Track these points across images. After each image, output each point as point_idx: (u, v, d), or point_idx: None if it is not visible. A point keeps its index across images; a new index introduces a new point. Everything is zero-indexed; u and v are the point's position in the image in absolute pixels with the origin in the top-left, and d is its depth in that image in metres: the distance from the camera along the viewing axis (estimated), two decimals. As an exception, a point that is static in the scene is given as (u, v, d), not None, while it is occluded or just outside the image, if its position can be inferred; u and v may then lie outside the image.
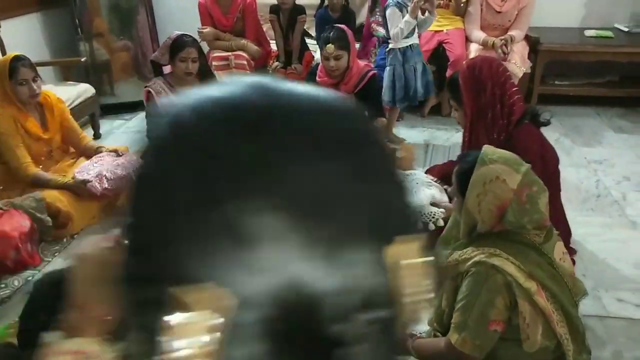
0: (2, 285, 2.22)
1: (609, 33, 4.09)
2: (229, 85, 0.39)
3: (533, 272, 1.33)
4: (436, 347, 1.49)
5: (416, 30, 3.28)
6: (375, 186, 0.36)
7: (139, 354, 0.34)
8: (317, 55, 4.07)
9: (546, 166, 1.92)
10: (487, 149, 1.42)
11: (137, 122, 4.09)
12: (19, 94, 2.58)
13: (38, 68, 2.75)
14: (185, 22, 4.00)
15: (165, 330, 0.30)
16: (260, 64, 4.10)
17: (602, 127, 3.81)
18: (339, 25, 2.94)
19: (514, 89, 2.03)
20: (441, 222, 2.08)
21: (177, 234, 0.32)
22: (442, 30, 3.91)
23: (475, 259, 1.37)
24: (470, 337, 1.34)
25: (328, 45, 2.80)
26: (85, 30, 4.10)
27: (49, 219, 2.47)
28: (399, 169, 0.40)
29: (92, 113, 3.82)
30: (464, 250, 1.43)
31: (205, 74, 3.12)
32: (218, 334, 0.30)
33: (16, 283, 2.24)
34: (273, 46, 4.21)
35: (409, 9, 3.13)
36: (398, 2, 3.24)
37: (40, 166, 2.70)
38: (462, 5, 3.91)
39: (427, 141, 3.64)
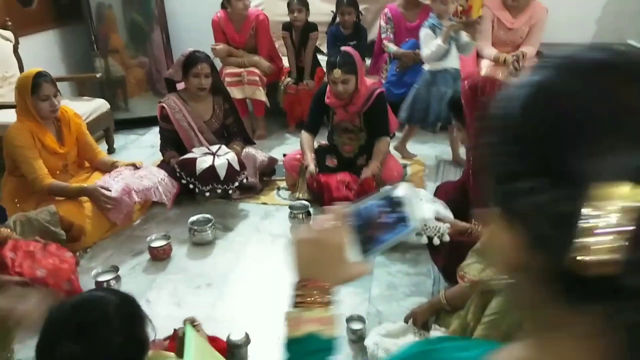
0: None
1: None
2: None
3: None
4: (463, 289, 1.48)
5: (454, 54, 3.26)
6: None
7: None
8: (329, 71, 4.11)
9: None
10: None
11: (150, 137, 4.14)
12: (41, 109, 2.62)
13: (54, 83, 2.80)
14: (198, 39, 4.05)
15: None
16: (272, 80, 4.14)
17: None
18: (346, 48, 2.92)
19: None
20: (447, 237, 2.06)
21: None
22: (453, 47, 3.92)
23: None
24: None
25: (335, 70, 2.77)
26: (101, 47, 4.18)
27: (62, 232, 2.49)
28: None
29: (107, 128, 3.87)
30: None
31: (217, 90, 3.16)
32: None
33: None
34: (285, 62, 4.25)
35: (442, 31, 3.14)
36: (432, 24, 3.27)
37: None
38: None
39: (438, 157, 3.63)
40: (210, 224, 2.66)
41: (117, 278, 2.31)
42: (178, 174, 2.90)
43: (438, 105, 3.28)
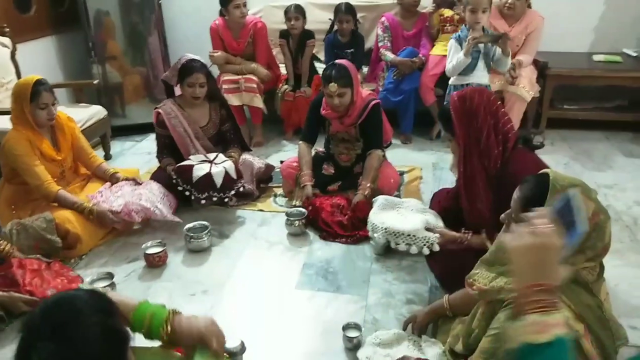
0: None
1: (617, 58, 4.10)
2: None
3: (583, 314, 1.28)
4: (467, 295, 1.46)
5: (482, 68, 3.19)
6: None
7: None
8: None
9: None
10: (555, 175, 1.34)
11: (147, 143, 4.14)
12: (39, 117, 2.60)
13: (51, 90, 2.79)
14: (196, 46, 4.06)
15: None
16: (269, 88, 4.15)
17: (612, 152, 3.79)
18: (341, 60, 2.91)
19: (507, 117, 2.04)
20: (437, 247, 2.07)
21: None
22: (450, 55, 3.94)
23: None
24: None
25: (330, 85, 2.76)
26: (99, 54, 4.19)
27: (58, 239, 2.48)
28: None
29: (104, 134, 3.87)
30: (511, 278, 1.34)
31: (214, 97, 3.16)
32: None
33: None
34: (282, 70, 4.26)
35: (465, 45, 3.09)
36: (459, 36, 3.18)
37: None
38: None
39: (435, 164, 3.64)
40: (206, 231, 2.65)
41: (112, 285, 2.30)
42: (174, 181, 2.89)
43: None
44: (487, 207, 2.04)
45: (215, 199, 2.87)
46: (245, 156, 3.21)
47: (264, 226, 2.88)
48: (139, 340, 1.28)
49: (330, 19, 4.19)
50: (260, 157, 3.41)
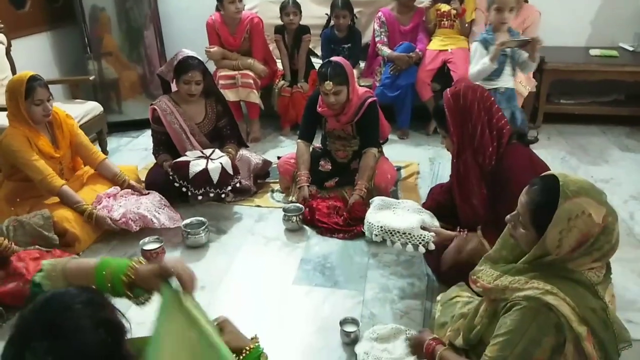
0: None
1: (614, 52, 4.10)
2: None
3: (587, 317, 1.27)
4: None
5: (507, 72, 3.02)
6: None
7: None
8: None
9: None
10: (565, 179, 1.30)
11: (144, 139, 4.13)
12: (34, 114, 2.58)
13: (47, 86, 2.77)
14: (192, 41, 4.04)
15: None
16: (266, 83, 4.14)
17: (609, 146, 3.80)
18: (336, 58, 2.90)
19: (500, 113, 2.04)
20: (432, 245, 2.07)
21: None
22: (446, 50, 3.94)
23: (528, 292, 1.29)
24: None
25: (326, 82, 2.74)
26: (94, 50, 4.17)
27: (55, 237, 2.48)
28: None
29: (100, 130, 3.85)
30: (516, 278, 1.36)
31: (210, 92, 3.15)
32: None
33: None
34: (279, 65, 4.25)
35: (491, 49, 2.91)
36: (484, 39, 2.99)
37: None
38: (466, 25, 3.94)
39: (432, 159, 3.64)
40: (203, 227, 2.65)
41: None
42: (171, 177, 2.88)
43: None
44: (482, 203, 2.05)
45: (212, 195, 2.87)
46: (242, 152, 3.21)
47: (261, 222, 2.89)
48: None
49: (326, 14, 4.18)
50: (257, 153, 3.41)
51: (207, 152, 2.98)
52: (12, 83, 2.60)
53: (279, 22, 4.09)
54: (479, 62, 2.92)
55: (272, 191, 3.22)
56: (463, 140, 2.02)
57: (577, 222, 1.26)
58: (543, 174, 1.41)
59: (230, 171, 2.91)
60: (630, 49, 4.19)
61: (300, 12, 4.02)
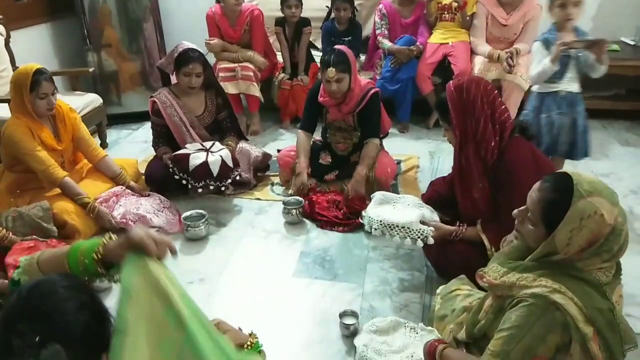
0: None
1: (615, 46, 4.09)
2: None
3: (593, 317, 1.27)
4: None
5: (572, 74, 2.70)
6: None
7: None
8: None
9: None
10: (579, 178, 1.29)
11: (143, 131, 4.12)
12: (38, 107, 2.57)
13: (47, 78, 2.76)
14: (192, 33, 4.04)
15: None
16: (266, 76, 4.13)
17: (609, 140, 3.80)
18: (340, 46, 2.90)
19: (503, 107, 2.03)
20: (431, 240, 2.08)
21: None
22: (447, 43, 3.93)
23: (536, 290, 1.29)
24: None
25: (329, 69, 2.75)
26: (94, 41, 4.15)
27: (54, 228, 2.47)
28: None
29: (100, 122, 3.85)
30: (524, 275, 1.35)
31: (210, 85, 3.14)
32: None
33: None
34: (279, 58, 4.23)
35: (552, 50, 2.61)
36: (546, 38, 2.70)
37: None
38: (467, 18, 3.92)
39: (432, 152, 3.64)
40: (203, 220, 2.65)
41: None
42: (171, 170, 2.88)
43: (548, 136, 2.72)
44: (482, 197, 2.04)
45: (212, 187, 2.87)
46: (242, 145, 3.21)
47: (261, 215, 2.89)
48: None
49: (327, 7, 4.17)
50: (257, 146, 3.40)
51: (207, 144, 2.98)
52: (18, 75, 2.58)
53: (280, 14, 4.08)
54: (539, 63, 2.66)
55: (272, 184, 3.22)
56: (466, 133, 2.01)
57: (588, 221, 1.25)
58: (556, 172, 1.39)
59: (230, 164, 2.91)
60: (632, 43, 4.18)
61: (302, 4, 4.00)
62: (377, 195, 2.35)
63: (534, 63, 2.74)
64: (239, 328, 1.42)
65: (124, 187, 2.88)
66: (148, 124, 3.34)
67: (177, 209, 2.87)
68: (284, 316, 2.09)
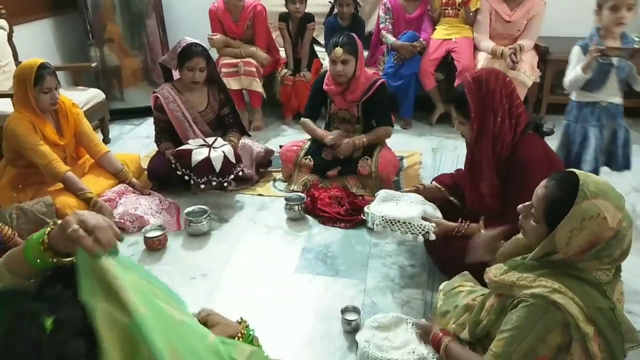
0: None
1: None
2: None
3: (594, 316, 1.27)
4: None
5: (613, 84, 2.53)
6: None
7: None
8: (326, 63, 4.09)
9: None
10: (586, 179, 1.28)
11: (146, 127, 4.13)
12: (42, 102, 2.58)
13: (49, 73, 2.76)
14: (195, 28, 4.03)
15: None
16: (269, 72, 4.12)
17: (612, 137, 3.78)
18: (350, 32, 2.94)
19: (519, 101, 2.00)
20: (432, 236, 2.07)
21: None
22: (450, 39, 3.92)
23: (536, 290, 1.29)
24: None
25: (336, 49, 2.79)
26: (97, 36, 4.15)
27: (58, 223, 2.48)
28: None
29: (102, 118, 3.85)
30: (524, 275, 1.35)
31: (213, 81, 3.14)
32: None
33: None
34: (282, 54, 4.23)
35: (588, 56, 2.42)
36: (587, 44, 2.50)
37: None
38: (471, 14, 3.91)
39: (435, 149, 3.64)
40: (205, 215, 2.66)
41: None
42: (173, 165, 2.88)
43: (580, 147, 2.58)
44: (490, 193, 2.02)
45: (214, 183, 2.87)
46: (245, 140, 3.21)
47: (263, 211, 2.89)
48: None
49: (330, 2, 4.16)
50: (260, 142, 3.40)
51: (210, 140, 2.98)
52: (22, 70, 2.59)
53: (283, 9, 4.07)
54: (574, 69, 2.50)
55: (274, 180, 3.22)
56: (483, 127, 1.96)
57: (590, 223, 1.24)
58: (564, 170, 1.38)
59: (233, 160, 2.91)
60: (636, 39, 4.15)
61: (306, 0, 3.99)
62: (381, 193, 2.36)
63: (570, 67, 2.56)
64: (241, 318, 1.40)
65: (126, 185, 2.88)
66: (150, 120, 3.35)
67: (178, 207, 2.88)
68: (285, 312, 2.09)
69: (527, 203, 1.41)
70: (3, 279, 1.04)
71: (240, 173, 2.98)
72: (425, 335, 1.74)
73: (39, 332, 0.78)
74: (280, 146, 3.31)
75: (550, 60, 3.91)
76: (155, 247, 2.51)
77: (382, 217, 2.14)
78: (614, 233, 1.26)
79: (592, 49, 2.38)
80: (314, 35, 4.18)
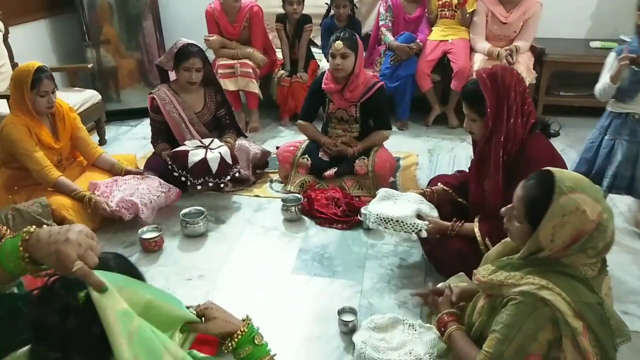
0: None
1: (614, 44, 4.08)
2: None
3: (582, 312, 1.27)
4: (467, 356, 1.46)
5: None
6: None
7: None
8: (323, 64, 4.10)
9: None
10: (560, 175, 1.30)
11: (142, 128, 4.12)
12: (38, 105, 2.57)
13: (45, 74, 2.75)
14: (192, 29, 4.03)
15: None
16: (265, 73, 4.12)
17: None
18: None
19: (529, 99, 1.98)
20: (424, 234, 2.08)
21: None
22: (447, 40, 3.92)
23: (524, 288, 1.30)
24: None
25: (337, 42, 2.82)
26: (93, 37, 4.14)
27: (54, 224, 2.47)
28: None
29: (98, 119, 3.85)
30: (512, 273, 1.36)
31: (209, 82, 3.14)
32: None
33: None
34: (279, 55, 4.23)
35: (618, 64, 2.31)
36: (621, 49, 2.39)
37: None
38: (467, 15, 3.92)
39: (431, 150, 3.64)
40: (202, 216, 2.65)
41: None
42: (170, 167, 2.88)
43: (606, 160, 2.47)
44: (493, 190, 1.99)
45: (211, 184, 2.87)
46: (241, 142, 3.20)
47: (259, 212, 2.89)
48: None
49: (326, 3, 4.16)
50: (256, 143, 3.40)
51: (206, 141, 2.98)
52: (19, 72, 2.58)
53: (280, 10, 4.07)
54: (605, 77, 2.39)
55: (271, 181, 3.21)
56: (496, 123, 1.93)
57: (570, 217, 1.26)
58: (540, 170, 1.39)
59: (229, 161, 2.91)
60: (630, 40, 4.17)
61: (304, 1, 3.99)
62: (381, 191, 2.37)
63: (603, 74, 2.43)
64: (247, 316, 1.38)
65: (119, 177, 2.85)
66: (147, 121, 3.34)
67: (177, 188, 2.88)
68: (282, 313, 2.09)
69: (509, 205, 1.43)
70: None
71: (237, 174, 2.98)
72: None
73: (75, 300, 0.90)
74: (277, 147, 3.31)
75: (546, 62, 3.93)
76: (151, 248, 2.50)
77: (377, 214, 2.16)
78: (595, 225, 1.27)
79: (621, 56, 2.26)
80: (310, 36, 4.19)
